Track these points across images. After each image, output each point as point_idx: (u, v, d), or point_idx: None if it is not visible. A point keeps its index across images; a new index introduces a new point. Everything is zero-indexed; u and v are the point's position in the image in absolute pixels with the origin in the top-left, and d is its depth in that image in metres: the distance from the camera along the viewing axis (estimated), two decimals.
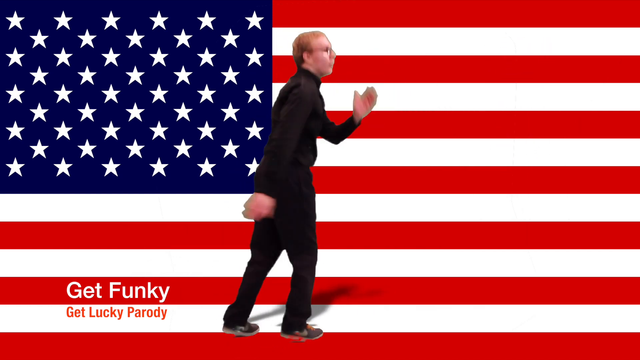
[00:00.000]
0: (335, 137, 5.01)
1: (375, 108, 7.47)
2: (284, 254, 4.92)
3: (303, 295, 4.66)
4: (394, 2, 7.52)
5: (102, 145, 6.96)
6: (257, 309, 5.11)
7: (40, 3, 6.88)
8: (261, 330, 4.88)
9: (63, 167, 6.95)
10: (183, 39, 6.91)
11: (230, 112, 6.99)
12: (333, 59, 4.86)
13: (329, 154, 7.20)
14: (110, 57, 6.93)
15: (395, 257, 5.80)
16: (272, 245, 4.82)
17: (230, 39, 6.97)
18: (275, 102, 4.78)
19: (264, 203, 4.56)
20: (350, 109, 7.51)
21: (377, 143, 7.35)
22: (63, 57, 6.92)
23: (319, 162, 7.11)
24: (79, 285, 5.39)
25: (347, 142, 7.33)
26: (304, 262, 4.68)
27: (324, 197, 6.80)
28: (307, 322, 4.79)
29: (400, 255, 5.81)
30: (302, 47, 4.84)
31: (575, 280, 5.41)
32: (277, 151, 4.52)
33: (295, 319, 4.66)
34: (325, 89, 7.49)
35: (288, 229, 4.67)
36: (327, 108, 7.51)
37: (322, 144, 7.50)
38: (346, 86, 7.45)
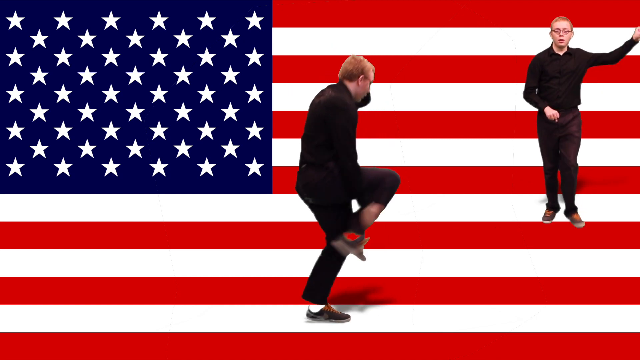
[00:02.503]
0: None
1: (375, 108, 7.47)
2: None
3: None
4: (394, 3, 7.52)
5: (102, 145, 6.96)
6: (255, 310, 5.11)
7: (40, 3, 6.88)
8: (261, 330, 4.88)
9: (63, 167, 6.95)
10: (183, 39, 6.92)
11: (230, 112, 6.99)
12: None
13: None
14: (110, 57, 6.93)
15: (395, 257, 5.80)
16: None
17: (230, 39, 6.97)
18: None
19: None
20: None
21: (377, 143, 7.35)
22: (63, 57, 6.92)
23: None
24: (79, 285, 5.39)
25: None
26: None
27: None
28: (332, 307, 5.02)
29: (400, 255, 5.81)
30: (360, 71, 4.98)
31: (575, 280, 5.42)
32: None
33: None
34: None
35: None
36: None
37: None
38: None
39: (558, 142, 6.26)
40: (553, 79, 6.19)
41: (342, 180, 4.79)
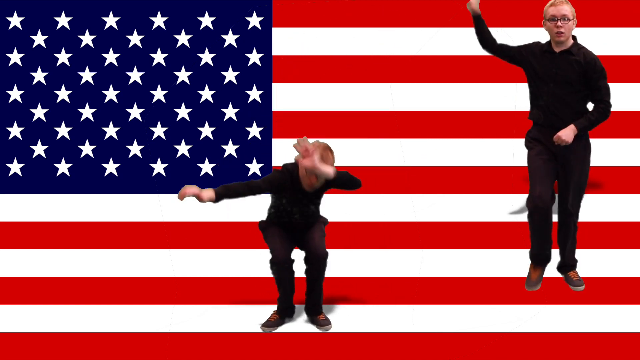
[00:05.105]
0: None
1: (375, 108, 7.48)
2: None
3: None
4: (394, 2, 7.52)
5: (102, 145, 6.96)
6: (255, 310, 5.11)
7: (40, 3, 6.88)
8: (258, 330, 4.88)
9: (63, 167, 6.95)
10: (183, 39, 6.91)
11: (230, 112, 6.99)
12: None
13: None
14: (110, 57, 6.93)
15: (395, 257, 5.80)
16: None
17: (230, 39, 6.97)
18: None
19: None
20: (349, 108, 7.50)
21: (377, 143, 7.35)
22: (63, 57, 6.92)
23: None
24: (79, 285, 5.39)
25: (345, 141, 7.33)
26: None
27: (326, 197, 6.80)
28: (277, 315, 5.00)
29: (400, 255, 5.81)
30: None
31: None
32: None
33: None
34: (326, 89, 7.49)
35: None
36: (328, 108, 7.51)
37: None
38: (347, 86, 7.45)
39: (556, 172, 4.76)
40: (541, 84, 4.63)
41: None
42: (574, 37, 4.57)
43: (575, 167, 4.68)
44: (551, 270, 5.57)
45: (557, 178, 4.72)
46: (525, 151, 5.26)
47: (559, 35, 4.48)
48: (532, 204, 4.63)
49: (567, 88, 4.48)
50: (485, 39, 4.79)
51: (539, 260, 4.76)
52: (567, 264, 4.95)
